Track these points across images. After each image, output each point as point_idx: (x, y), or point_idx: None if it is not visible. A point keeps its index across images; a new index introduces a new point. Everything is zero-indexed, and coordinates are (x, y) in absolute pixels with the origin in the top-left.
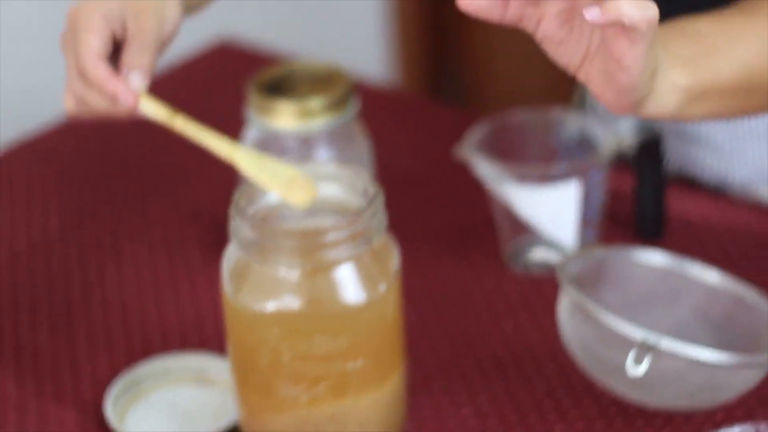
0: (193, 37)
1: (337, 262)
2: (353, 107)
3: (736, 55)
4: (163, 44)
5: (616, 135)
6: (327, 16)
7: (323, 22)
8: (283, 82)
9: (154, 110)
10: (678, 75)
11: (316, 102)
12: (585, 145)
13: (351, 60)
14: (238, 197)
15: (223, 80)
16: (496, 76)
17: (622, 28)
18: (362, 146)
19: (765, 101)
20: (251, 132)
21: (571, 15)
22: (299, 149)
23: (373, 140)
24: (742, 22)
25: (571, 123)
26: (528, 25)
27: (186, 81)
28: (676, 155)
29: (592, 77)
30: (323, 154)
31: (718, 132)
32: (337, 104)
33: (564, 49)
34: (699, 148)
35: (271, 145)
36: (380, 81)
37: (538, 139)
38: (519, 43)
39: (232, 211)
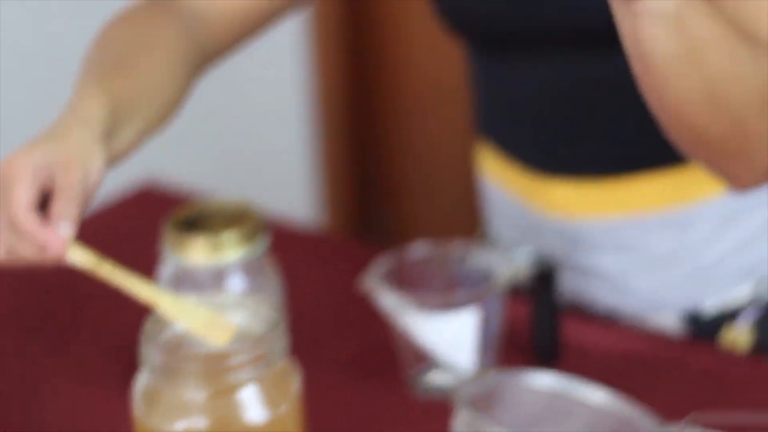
0: (120, 178)
1: (240, 384)
2: (263, 241)
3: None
4: (88, 194)
5: (514, 266)
6: (257, 163)
7: (253, 170)
8: (197, 219)
9: (82, 258)
10: None
11: (227, 236)
12: (484, 275)
13: (280, 203)
14: (148, 326)
15: (146, 222)
16: (420, 216)
17: None
18: (273, 279)
19: (702, 84)
20: (167, 268)
21: None
22: (212, 282)
23: (284, 273)
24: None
25: (472, 255)
26: None
27: (110, 223)
28: (569, 286)
29: None
30: (235, 287)
31: (609, 266)
32: (248, 238)
33: None
34: (591, 280)
35: (185, 280)
36: (306, 222)
37: (440, 270)
38: (440, 185)
39: (143, 339)
